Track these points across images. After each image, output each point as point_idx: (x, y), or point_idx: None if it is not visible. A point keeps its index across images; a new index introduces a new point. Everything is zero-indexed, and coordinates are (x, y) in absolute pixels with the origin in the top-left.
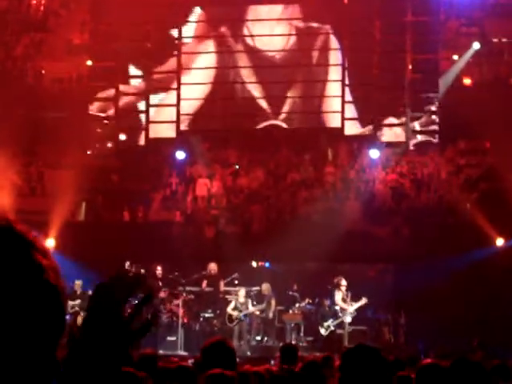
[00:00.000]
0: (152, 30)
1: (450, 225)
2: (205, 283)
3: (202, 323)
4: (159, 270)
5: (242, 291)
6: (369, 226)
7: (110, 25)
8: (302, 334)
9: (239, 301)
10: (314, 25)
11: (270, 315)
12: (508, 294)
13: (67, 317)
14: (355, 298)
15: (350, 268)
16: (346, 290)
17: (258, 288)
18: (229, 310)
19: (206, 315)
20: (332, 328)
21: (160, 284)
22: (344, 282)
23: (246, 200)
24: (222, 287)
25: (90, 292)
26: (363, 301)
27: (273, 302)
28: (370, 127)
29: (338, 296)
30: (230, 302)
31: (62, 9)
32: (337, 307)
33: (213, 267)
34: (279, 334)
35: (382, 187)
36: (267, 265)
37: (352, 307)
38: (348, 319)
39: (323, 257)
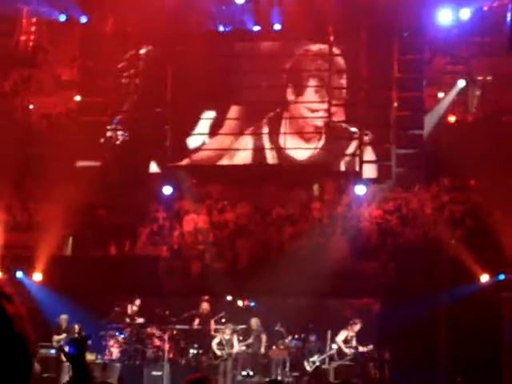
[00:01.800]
0: (141, 66)
1: (435, 261)
2: (196, 321)
3: (188, 359)
4: (138, 302)
5: (227, 329)
6: (355, 261)
7: (98, 60)
8: (287, 370)
9: (224, 337)
10: None
11: (262, 350)
12: (493, 331)
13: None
14: (360, 342)
15: (335, 303)
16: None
17: (243, 326)
18: (213, 346)
19: (194, 351)
20: (317, 363)
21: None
22: (358, 327)
23: (232, 235)
24: (213, 325)
25: (76, 326)
26: (370, 347)
27: (263, 337)
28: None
29: (342, 335)
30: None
31: (51, 45)
32: (334, 345)
33: (205, 306)
34: (265, 370)
35: (367, 223)
36: (252, 304)
37: (351, 350)
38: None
39: (309, 292)
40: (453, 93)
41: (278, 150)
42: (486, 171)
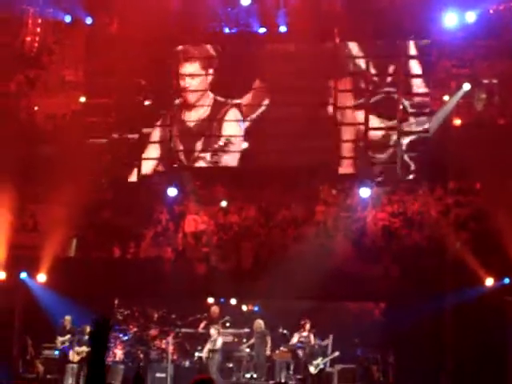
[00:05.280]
0: (146, 66)
1: (440, 264)
2: (203, 324)
3: (192, 361)
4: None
5: (213, 328)
6: (359, 264)
7: (104, 61)
8: (291, 372)
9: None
10: None
11: (268, 352)
12: (498, 334)
13: (56, 352)
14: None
15: (339, 306)
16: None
17: (247, 330)
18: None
19: (199, 354)
20: (322, 366)
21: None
22: (308, 326)
23: (237, 237)
24: (221, 329)
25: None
26: (336, 354)
27: (268, 339)
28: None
29: (295, 338)
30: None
31: (56, 45)
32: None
33: (215, 310)
34: (269, 372)
35: (372, 226)
36: (256, 308)
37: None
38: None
39: (313, 295)
40: (458, 96)
41: (283, 151)
42: (492, 174)
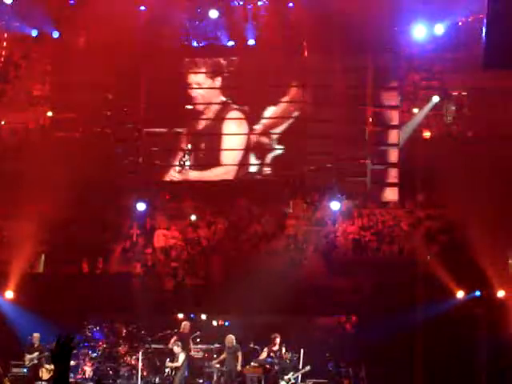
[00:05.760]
0: (113, 80)
1: (411, 277)
2: (173, 339)
3: (162, 377)
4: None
5: (176, 345)
6: (330, 278)
7: (70, 75)
8: None
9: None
10: None
11: (239, 367)
12: (468, 347)
13: (24, 370)
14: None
15: (309, 320)
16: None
17: (218, 345)
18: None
19: (169, 370)
20: (293, 381)
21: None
22: (278, 340)
23: (206, 251)
24: (192, 345)
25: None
26: (307, 368)
27: (239, 354)
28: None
29: (264, 353)
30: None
31: (23, 60)
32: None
33: (186, 326)
34: None
35: (342, 239)
36: (227, 323)
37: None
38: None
39: (284, 309)
40: (427, 108)
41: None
42: (462, 187)
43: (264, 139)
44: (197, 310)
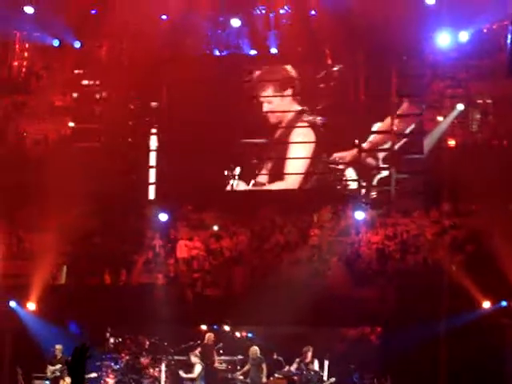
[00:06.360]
0: (135, 92)
1: (436, 287)
2: (197, 351)
3: None
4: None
5: (193, 355)
6: (354, 288)
7: (92, 86)
8: None
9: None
10: None
11: (264, 379)
12: (495, 358)
13: (46, 382)
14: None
15: (334, 331)
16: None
17: (241, 357)
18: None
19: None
20: None
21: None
22: (310, 353)
23: (229, 262)
24: (216, 357)
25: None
26: (332, 380)
27: (264, 366)
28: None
29: (295, 364)
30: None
31: (44, 70)
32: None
33: (210, 337)
34: None
35: (366, 249)
36: (250, 335)
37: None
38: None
39: (308, 320)
40: (452, 116)
41: (276, 175)
42: (487, 196)
43: None
44: (219, 321)
